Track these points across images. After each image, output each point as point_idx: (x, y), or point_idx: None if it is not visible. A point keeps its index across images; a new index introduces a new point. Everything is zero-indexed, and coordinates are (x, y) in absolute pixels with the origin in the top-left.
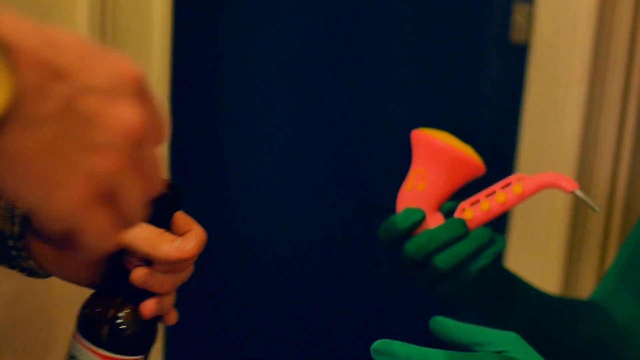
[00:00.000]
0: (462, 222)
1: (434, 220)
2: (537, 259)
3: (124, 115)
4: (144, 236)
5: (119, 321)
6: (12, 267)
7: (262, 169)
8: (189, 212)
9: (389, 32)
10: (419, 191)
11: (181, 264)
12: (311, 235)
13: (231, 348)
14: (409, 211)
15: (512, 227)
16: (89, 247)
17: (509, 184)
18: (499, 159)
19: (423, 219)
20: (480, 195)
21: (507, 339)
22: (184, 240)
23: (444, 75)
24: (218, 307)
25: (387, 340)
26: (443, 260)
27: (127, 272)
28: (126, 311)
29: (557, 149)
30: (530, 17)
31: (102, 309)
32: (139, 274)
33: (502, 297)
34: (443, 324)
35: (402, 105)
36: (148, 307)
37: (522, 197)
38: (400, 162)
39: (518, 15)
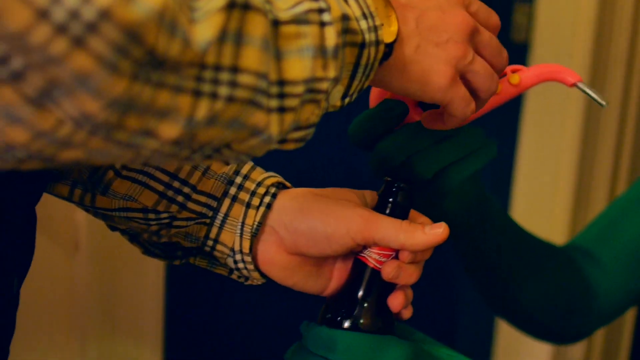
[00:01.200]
0: None
1: (417, 114)
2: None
3: (455, 18)
4: (393, 228)
5: (361, 318)
6: (230, 275)
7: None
8: None
9: None
10: None
11: (428, 251)
12: None
13: (230, 346)
14: (388, 103)
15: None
16: (457, 112)
17: (504, 75)
18: (499, 159)
19: (405, 113)
20: None
21: None
22: (432, 226)
23: None
24: (218, 306)
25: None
26: (425, 164)
27: (368, 269)
28: (369, 307)
29: (557, 148)
30: (530, 16)
31: (345, 307)
32: (390, 268)
33: (476, 214)
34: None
35: None
36: (397, 300)
37: (520, 89)
38: None
39: (518, 15)
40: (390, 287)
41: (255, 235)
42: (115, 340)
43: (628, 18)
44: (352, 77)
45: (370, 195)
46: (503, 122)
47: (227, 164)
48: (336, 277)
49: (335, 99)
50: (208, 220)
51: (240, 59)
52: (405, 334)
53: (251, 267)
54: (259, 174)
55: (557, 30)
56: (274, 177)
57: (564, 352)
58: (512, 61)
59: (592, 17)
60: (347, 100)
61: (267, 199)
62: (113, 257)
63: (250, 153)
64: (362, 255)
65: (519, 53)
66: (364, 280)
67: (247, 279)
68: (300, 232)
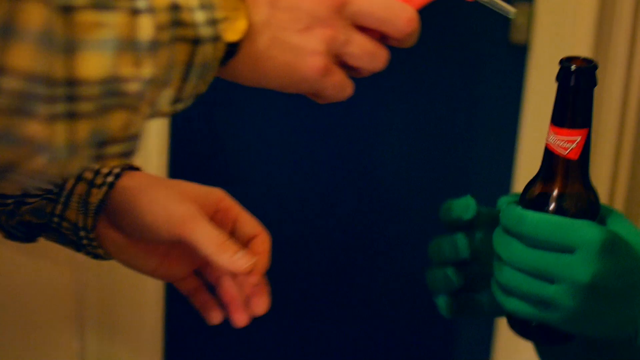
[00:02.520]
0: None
1: None
2: None
3: None
4: (208, 238)
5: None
6: (79, 251)
7: (263, 168)
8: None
9: None
10: None
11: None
12: (312, 235)
13: (231, 348)
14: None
15: None
16: (329, 100)
17: None
18: (499, 159)
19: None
20: None
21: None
22: (243, 256)
23: (443, 75)
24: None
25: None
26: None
27: (554, 156)
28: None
29: None
30: (530, 17)
31: (539, 192)
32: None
33: None
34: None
35: (400, 104)
36: None
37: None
38: (398, 160)
39: (518, 15)
40: (583, 172)
41: (98, 213)
42: (115, 341)
43: (628, 18)
44: (184, 79)
45: (215, 195)
46: (503, 121)
47: (27, 192)
48: (171, 261)
49: (164, 104)
50: (54, 197)
51: (5, 57)
52: (606, 215)
53: (95, 243)
54: None
55: (557, 30)
56: None
57: None
58: (511, 62)
59: (592, 17)
60: (180, 105)
61: (110, 179)
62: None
63: (45, 176)
64: (548, 142)
65: (518, 54)
66: (550, 167)
67: (94, 255)
68: (127, 214)
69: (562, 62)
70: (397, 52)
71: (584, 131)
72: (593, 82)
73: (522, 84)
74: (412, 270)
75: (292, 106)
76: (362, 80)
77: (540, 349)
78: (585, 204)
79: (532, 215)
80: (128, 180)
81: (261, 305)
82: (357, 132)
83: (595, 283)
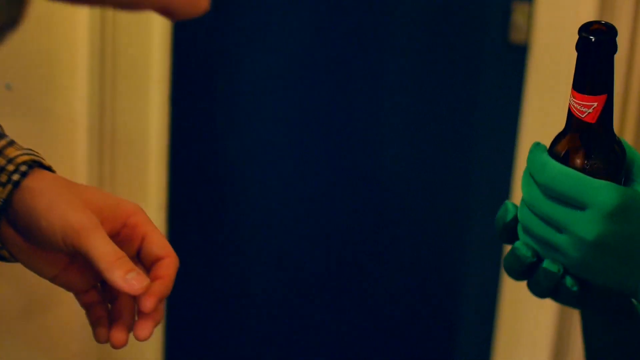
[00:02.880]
0: None
1: None
2: None
3: None
4: (101, 253)
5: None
6: None
7: (263, 169)
8: (191, 214)
9: (387, 32)
10: None
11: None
12: (311, 235)
13: (230, 347)
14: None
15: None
16: (184, 13)
17: None
18: (499, 160)
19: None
20: None
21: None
22: (137, 276)
23: (443, 76)
24: (218, 306)
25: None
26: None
27: (574, 118)
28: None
29: None
30: (530, 17)
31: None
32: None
33: None
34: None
35: (400, 104)
36: None
37: None
38: (398, 160)
39: (518, 15)
40: (603, 134)
41: (2, 213)
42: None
43: (628, 18)
44: None
45: (125, 208)
46: (502, 121)
47: None
48: (72, 271)
49: None
50: None
51: None
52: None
53: None
54: (14, 151)
55: (557, 31)
56: (28, 155)
57: (565, 347)
58: (511, 62)
59: (592, 17)
60: None
61: (15, 177)
62: None
63: None
64: (570, 102)
65: (518, 54)
66: (571, 126)
67: (1, 257)
68: (24, 217)
69: (581, 28)
70: (396, 51)
71: (601, 97)
72: (612, 49)
73: (521, 84)
74: (413, 270)
75: (293, 105)
76: (360, 80)
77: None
78: (602, 165)
79: (554, 166)
80: (34, 181)
81: (143, 332)
82: (357, 132)
83: (600, 241)
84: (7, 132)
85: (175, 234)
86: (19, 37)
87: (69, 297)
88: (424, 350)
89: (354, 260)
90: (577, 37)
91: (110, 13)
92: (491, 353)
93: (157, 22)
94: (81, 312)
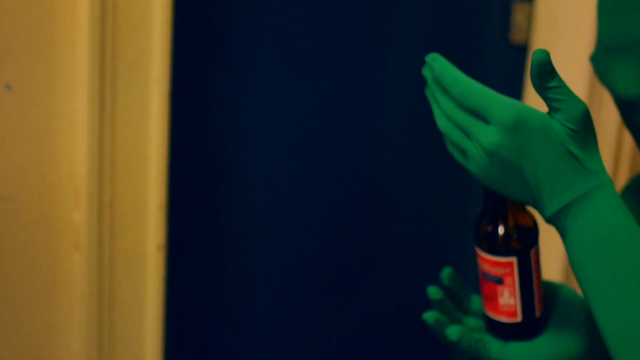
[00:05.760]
0: None
1: None
2: None
3: None
4: None
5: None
6: None
7: (265, 168)
8: (191, 213)
9: (388, 32)
10: None
11: None
12: (314, 235)
13: (231, 347)
14: None
15: None
16: None
17: None
18: None
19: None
20: None
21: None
22: None
23: None
24: (218, 306)
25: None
26: None
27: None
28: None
29: None
30: (530, 17)
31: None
32: None
33: None
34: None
35: (401, 104)
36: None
37: None
38: (398, 160)
39: (518, 15)
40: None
41: None
42: (115, 342)
43: None
44: None
45: None
46: None
47: None
48: None
49: None
50: None
51: None
52: None
53: None
54: None
55: (557, 30)
56: None
57: None
58: (511, 62)
59: (592, 17)
60: None
61: None
62: (113, 258)
63: None
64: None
65: (518, 54)
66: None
67: None
68: None
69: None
70: (397, 51)
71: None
72: None
73: (522, 84)
74: (419, 270)
75: (294, 104)
76: (361, 80)
77: None
78: None
79: (465, 81)
80: None
81: None
82: (358, 132)
83: (496, 152)
84: (7, 132)
85: (175, 233)
86: (18, 37)
87: (69, 296)
88: (428, 351)
89: (356, 259)
90: (577, 37)
91: (110, 15)
92: None
93: (158, 21)
94: (81, 312)
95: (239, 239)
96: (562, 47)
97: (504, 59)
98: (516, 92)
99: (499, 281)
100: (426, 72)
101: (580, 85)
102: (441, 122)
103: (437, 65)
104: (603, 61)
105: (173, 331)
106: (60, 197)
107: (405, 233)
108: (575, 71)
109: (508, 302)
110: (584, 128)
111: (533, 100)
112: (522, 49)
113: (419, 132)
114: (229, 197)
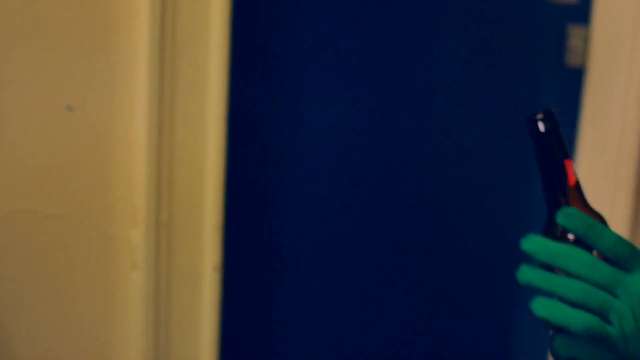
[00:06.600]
0: None
1: None
2: None
3: None
4: None
5: None
6: None
7: (320, 189)
8: (247, 234)
9: (444, 55)
10: None
11: None
12: (372, 258)
13: (286, 352)
14: None
15: None
16: None
17: None
18: None
19: None
20: None
21: None
22: None
23: (499, 99)
24: (278, 325)
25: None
26: None
27: None
28: None
29: (614, 174)
30: (586, 40)
31: None
32: None
33: None
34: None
35: (456, 129)
36: None
37: None
38: (453, 172)
39: (574, 39)
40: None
41: None
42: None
43: None
44: None
45: None
46: None
47: None
48: None
49: None
50: None
51: None
52: None
53: None
54: None
55: (614, 54)
56: None
57: None
58: (567, 86)
59: None
60: None
61: None
62: (169, 278)
63: None
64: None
65: (574, 78)
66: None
67: None
68: None
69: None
70: (452, 75)
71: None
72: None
73: (578, 107)
74: (471, 271)
75: (349, 126)
76: (416, 105)
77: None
78: (600, 217)
79: (610, 233)
80: None
81: None
82: (412, 153)
83: None
84: (67, 152)
85: (232, 254)
86: (79, 58)
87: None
88: (481, 353)
89: (404, 262)
90: (634, 60)
91: (170, 13)
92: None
93: (216, 42)
94: (137, 331)
95: (294, 259)
96: (619, 70)
97: (560, 82)
98: (572, 117)
99: None
100: (529, 271)
101: (638, 110)
102: (575, 292)
103: (586, 229)
104: None
105: (228, 352)
106: (118, 216)
107: (460, 233)
108: (632, 95)
109: None
110: None
111: (590, 124)
112: (578, 73)
113: (474, 155)
114: (285, 217)
